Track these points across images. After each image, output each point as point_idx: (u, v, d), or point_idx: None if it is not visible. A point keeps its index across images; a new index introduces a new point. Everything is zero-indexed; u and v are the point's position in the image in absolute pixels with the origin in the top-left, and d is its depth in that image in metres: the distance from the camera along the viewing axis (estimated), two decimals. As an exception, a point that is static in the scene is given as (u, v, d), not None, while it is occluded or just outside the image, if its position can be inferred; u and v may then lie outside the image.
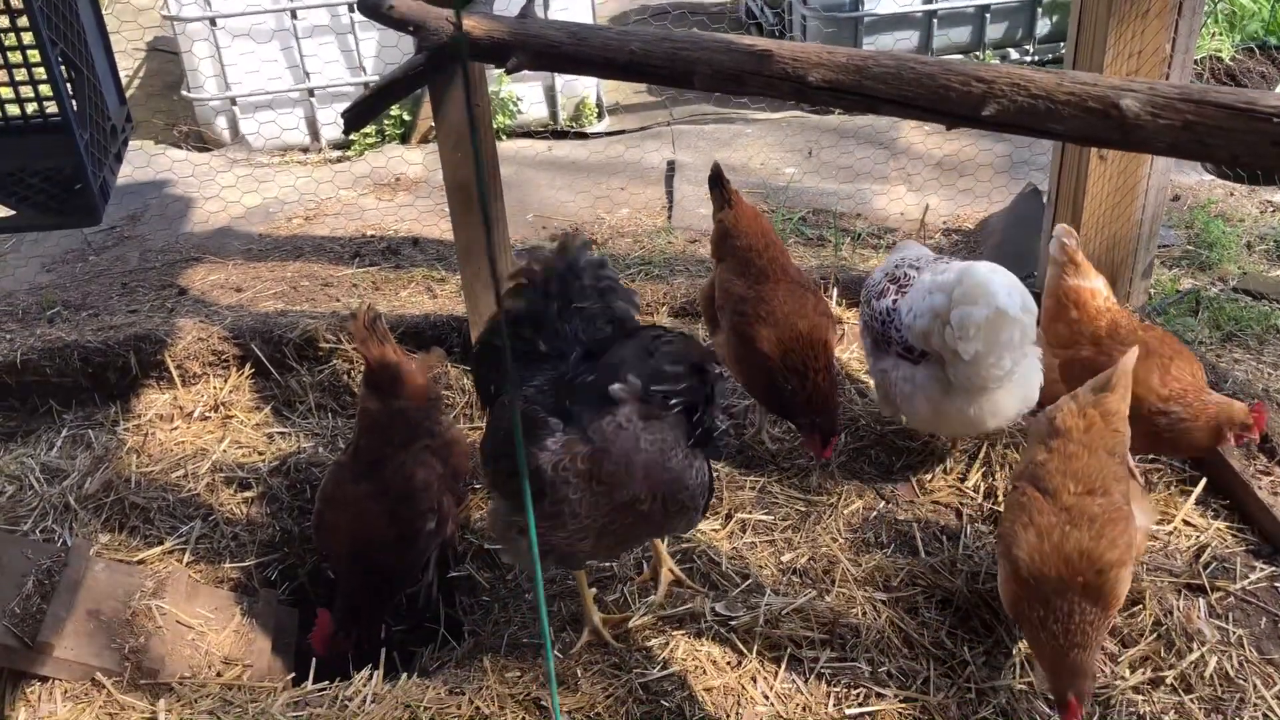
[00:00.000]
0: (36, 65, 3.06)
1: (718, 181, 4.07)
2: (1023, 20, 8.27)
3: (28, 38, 2.99)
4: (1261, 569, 3.42)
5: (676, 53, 2.81)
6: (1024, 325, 3.39)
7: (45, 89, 3.11)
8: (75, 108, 3.10)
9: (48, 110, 3.23)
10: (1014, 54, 8.35)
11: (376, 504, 3.41)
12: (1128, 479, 3.05)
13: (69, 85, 3.09)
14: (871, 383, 3.98)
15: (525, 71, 3.02)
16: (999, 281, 3.36)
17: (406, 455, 3.48)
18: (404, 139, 7.54)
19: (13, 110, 3.19)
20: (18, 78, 3.18)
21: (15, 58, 3.10)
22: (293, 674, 3.48)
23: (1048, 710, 3.01)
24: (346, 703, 3.09)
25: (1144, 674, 3.10)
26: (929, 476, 3.84)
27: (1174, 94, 2.30)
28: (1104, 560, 2.83)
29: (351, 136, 7.31)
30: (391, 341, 3.64)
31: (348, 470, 3.51)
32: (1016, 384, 3.54)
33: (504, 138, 7.52)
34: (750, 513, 3.70)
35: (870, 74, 2.59)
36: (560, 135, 7.70)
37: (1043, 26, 8.26)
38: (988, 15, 8.15)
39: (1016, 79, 2.44)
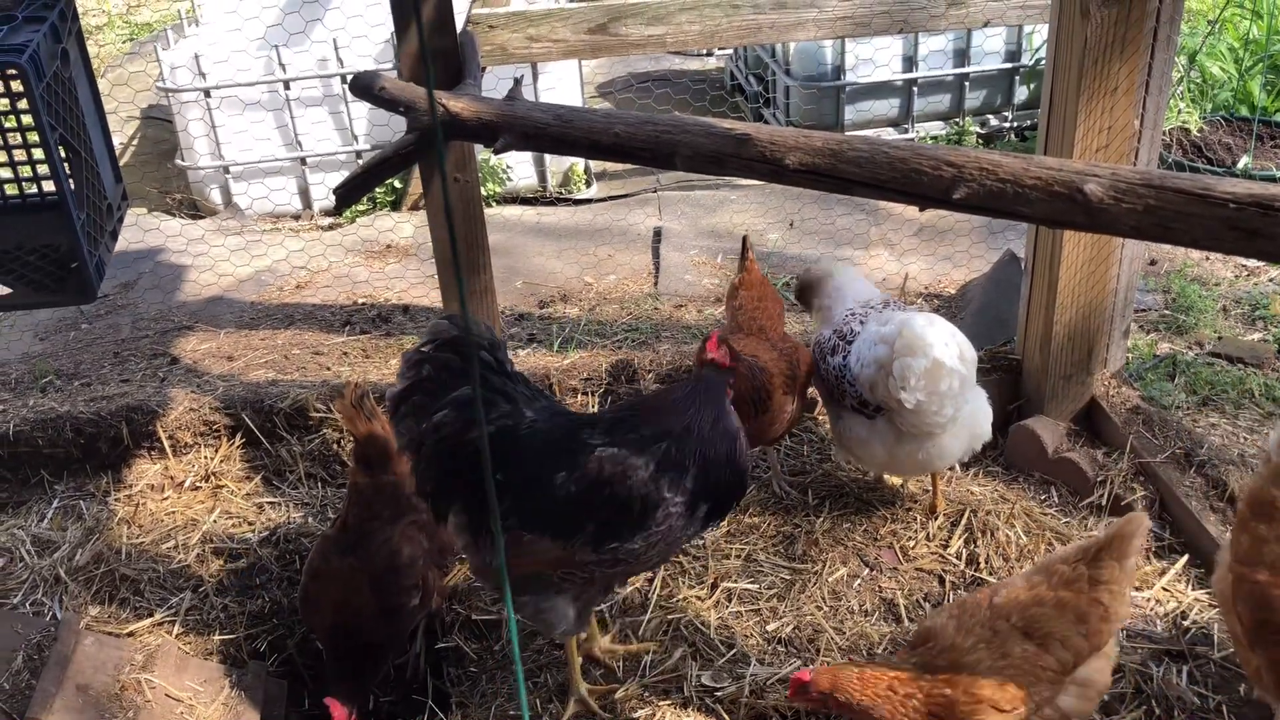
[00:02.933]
0: (35, 147, 3.14)
1: (743, 250, 4.37)
2: (1001, 88, 8.45)
3: (27, 120, 3.07)
4: (1241, 634, 3.46)
5: (659, 136, 2.91)
6: (961, 374, 3.53)
7: (44, 169, 3.18)
8: (72, 188, 3.17)
9: (45, 190, 3.30)
10: (993, 120, 8.53)
11: (361, 579, 3.42)
12: (1087, 655, 2.81)
13: (66, 166, 3.16)
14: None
15: (511, 151, 3.12)
16: (935, 333, 3.50)
17: (393, 531, 3.50)
18: (395, 206, 7.64)
19: (11, 190, 3.26)
20: (17, 158, 3.25)
21: (15, 139, 3.19)
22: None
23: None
24: (334, 777, 3.11)
25: (1126, 742, 3.13)
26: (912, 543, 3.89)
27: (1135, 179, 2.38)
28: (979, 694, 2.72)
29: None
30: (380, 416, 3.67)
31: (334, 544, 3.53)
32: (962, 427, 3.70)
33: (494, 204, 7.64)
34: (736, 581, 3.73)
35: (845, 158, 2.68)
36: (550, 202, 7.82)
37: (1021, 94, 8.44)
38: (967, 83, 8.33)
39: (985, 164, 2.53)
